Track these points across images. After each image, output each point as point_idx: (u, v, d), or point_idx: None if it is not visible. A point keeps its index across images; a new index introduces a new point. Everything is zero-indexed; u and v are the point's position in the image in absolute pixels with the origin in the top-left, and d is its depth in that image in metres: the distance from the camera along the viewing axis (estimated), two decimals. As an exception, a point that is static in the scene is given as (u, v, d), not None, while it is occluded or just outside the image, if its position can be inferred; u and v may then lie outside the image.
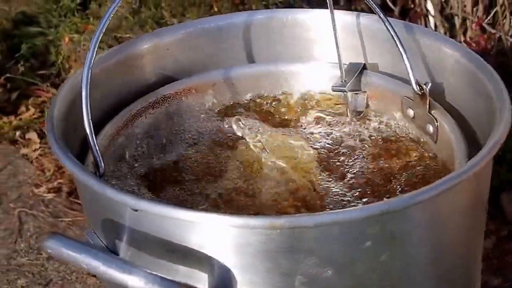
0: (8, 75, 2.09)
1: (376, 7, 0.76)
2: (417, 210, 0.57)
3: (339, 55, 0.83)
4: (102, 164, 0.67)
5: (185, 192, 0.72)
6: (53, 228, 1.59)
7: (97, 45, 0.68)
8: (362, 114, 0.84)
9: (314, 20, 0.89)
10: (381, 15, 0.76)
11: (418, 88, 0.76)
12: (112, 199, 0.57)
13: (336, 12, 0.85)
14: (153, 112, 0.83)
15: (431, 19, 1.52)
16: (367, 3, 0.77)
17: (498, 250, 0.70)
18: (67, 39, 1.96)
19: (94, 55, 0.67)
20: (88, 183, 0.59)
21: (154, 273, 0.52)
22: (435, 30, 1.48)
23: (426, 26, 1.51)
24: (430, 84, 0.76)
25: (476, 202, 0.66)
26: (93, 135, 0.66)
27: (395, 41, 0.76)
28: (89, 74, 0.67)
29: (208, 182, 0.73)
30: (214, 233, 0.56)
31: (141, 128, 0.81)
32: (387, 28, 0.76)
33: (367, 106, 0.84)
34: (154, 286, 0.51)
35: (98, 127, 0.77)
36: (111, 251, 0.63)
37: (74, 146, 0.72)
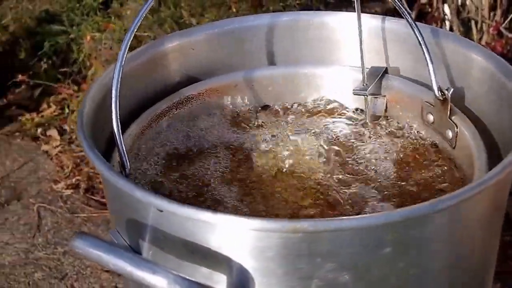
0: (31, 72, 2.12)
1: (404, 11, 0.77)
2: (437, 218, 0.58)
3: (362, 59, 0.84)
4: (128, 164, 0.68)
5: (203, 195, 0.73)
6: (69, 224, 1.61)
7: (128, 45, 0.70)
8: (380, 119, 0.84)
9: (339, 23, 0.89)
10: (409, 20, 0.77)
11: (440, 93, 0.77)
12: (139, 199, 0.58)
13: (362, 15, 0.86)
14: (176, 113, 0.84)
15: (447, 23, 1.52)
16: (397, 8, 0.77)
17: (500, 255, 0.71)
18: (88, 37, 1.98)
19: (126, 54, 0.69)
20: (116, 182, 0.60)
21: (177, 273, 0.53)
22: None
23: (442, 30, 1.51)
24: (452, 90, 0.77)
25: (495, 210, 0.66)
26: (121, 136, 0.67)
27: (421, 46, 0.76)
28: (120, 74, 0.68)
29: (228, 185, 0.74)
30: (234, 235, 0.57)
31: (165, 128, 0.82)
32: (414, 32, 0.76)
33: (386, 110, 0.85)
34: (176, 286, 0.51)
35: (123, 126, 0.78)
36: (134, 251, 0.65)
37: (101, 145, 0.73)
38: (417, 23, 0.81)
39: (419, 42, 0.76)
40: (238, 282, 0.58)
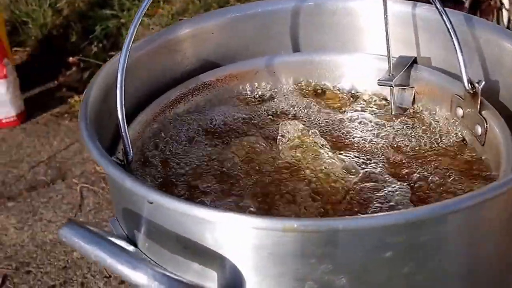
0: (81, 55, 2.14)
1: (433, -6, 0.72)
2: (448, 221, 0.53)
3: (388, 47, 0.79)
4: (131, 151, 0.66)
5: (210, 184, 0.70)
6: (110, 205, 1.62)
7: (135, 30, 0.67)
8: (407, 111, 0.79)
9: (366, 9, 0.85)
10: (438, 4, 0.71)
11: (470, 86, 0.71)
12: (129, 189, 0.56)
13: (390, 1, 0.81)
14: (192, 99, 0.81)
15: (505, 13, 1.43)
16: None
17: None
18: (137, 21, 1.97)
19: (132, 39, 0.66)
20: (108, 170, 0.58)
21: (160, 270, 0.50)
22: (508, 25, 1.40)
23: (498, 20, 1.43)
24: (483, 83, 0.71)
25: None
26: (125, 122, 0.65)
27: (450, 33, 0.71)
28: (126, 58, 0.66)
29: (236, 178, 0.71)
30: (228, 233, 0.54)
31: (179, 115, 0.79)
32: (442, 19, 0.71)
33: (414, 102, 0.79)
34: (156, 283, 0.49)
35: (135, 113, 0.76)
36: (131, 241, 0.62)
37: (109, 132, 0.71)
38: (449, 9, 0.76)
39: (448, 29, 0.71)
40: (230, 280, 0.55)
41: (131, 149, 0.66)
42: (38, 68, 2.18)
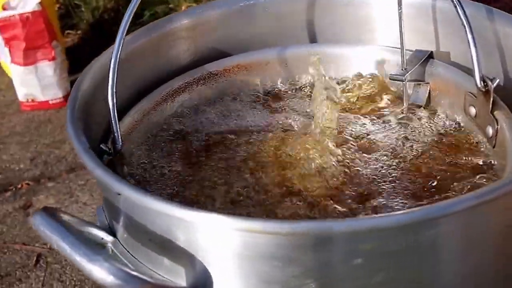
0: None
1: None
2: (419, 230, 0.49)
3: (402, 41, 0.75)
4: (120, 140, 0.65)
5: (206, 176, 0.68)
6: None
7: (133, 12, 0.66)
8: (420, 108, 0.75)
9: (383, 1, 0.80)
10: None
11: (482, 83, 0.66)
12: (99, 178, 0.54)
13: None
14: (197, 89, 0.79)
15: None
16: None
17: None
18: (183, 7, 1.97)
19: (129, 21, 0.66)
20: (82, 159, 0.57)
21: (118, 265, 0.48)
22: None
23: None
24: (497, 81, 0.66)
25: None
26: (115, 109, 0.64)
27: (464, 25, 0.66)
28: (122, 42, 0.65)
29: (230, 171, 0.68)
30: (193, 230, 0.51)
31: (181, 104, 0.77)
32: (456, 9, 0.66)
33: (429, 99, 0.75)
34: (112, 277, 0.47)
35: (135, 102, 0.75)
36: (111, 231, 0.61)
37: (104, 121, 0.70)
38: (470, 1, 0.71)
39: (461, 20, 0.66)
40: (199, 279, 0.53)
41: (120, 138, 0.64)
42: (89, 51, 2.21)
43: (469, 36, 0.66)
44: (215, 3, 0.82)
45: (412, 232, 0.48)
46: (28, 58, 1.93)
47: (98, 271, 0.48)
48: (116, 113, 0.64)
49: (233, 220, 0.49)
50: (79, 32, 2.33)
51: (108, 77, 0.64)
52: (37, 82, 1.94)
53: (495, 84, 0.66)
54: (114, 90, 0.64)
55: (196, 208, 0.50)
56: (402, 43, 0.74)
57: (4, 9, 1.91)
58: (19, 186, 1.73)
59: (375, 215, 0.53)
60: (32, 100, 1.96)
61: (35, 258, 1.51)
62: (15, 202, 1.67)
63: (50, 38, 1.96)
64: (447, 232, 0.50)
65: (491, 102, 0.66)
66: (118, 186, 0.53)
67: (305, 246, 0.49)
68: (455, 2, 0.66)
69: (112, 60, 0.64)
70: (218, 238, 0.51)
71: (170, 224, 0.52)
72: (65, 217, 0.57)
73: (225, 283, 0.52)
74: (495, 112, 0.66)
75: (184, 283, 0.54)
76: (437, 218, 0.47)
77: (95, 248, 0.50)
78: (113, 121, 0.64)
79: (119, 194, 0.53)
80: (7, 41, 1.93)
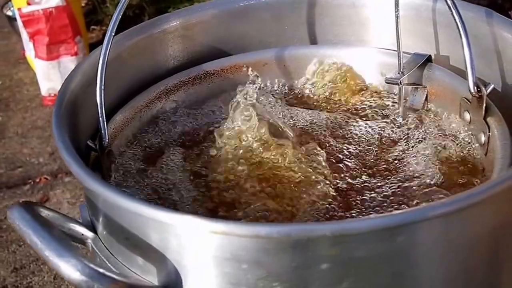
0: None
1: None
2: (383, 237, 0.48)
3: (398, 44, 0.73)
4: (107, 137, 0.65)
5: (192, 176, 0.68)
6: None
7: (123, 9, 0.67)
8: (417, 112, 0.73)
9: (385, 2, 0.79)
10: None
11: (476, 89, 0.65)
12: (75, 173, 0.54)
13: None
14: (192, 88, 0.78)
15: None
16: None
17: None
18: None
19: (119, 19, 0.66)
20: (61, 154, 0.57)
21: (87, 262, 0.48)
22: None
23: None
24: (491, 87, 0.65)
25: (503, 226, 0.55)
26: (103, 107, 0.64)
27: (458, 28, 0.65)
28: (111, 39, 0.65)
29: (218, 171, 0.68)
30: (163, 230, 0.51)
31: (175, 103, 0.77)
32: (450, 10, 0.65)
33: (426, 103, 0.74)
34: (78, 273, 0.47)
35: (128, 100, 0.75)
36: (93, 227, 0.61)
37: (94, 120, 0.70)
38: (466, 2, 0.70)
39: (456, 22, 0.64)
40: (170, 278, 0.53)
41: (106, 134, 0.65)
42: (113, 48, 2.23)
43: (464, 39, 0.65)
44: (214, 2, 0.82)
45: (377, 239, 0.47)
46: (51, 52, 1.96)
47: (65, 267, 0.48)
48: (104, 110, 0.64)
49: (199, 222, 0.48)
50: (104, 28, 2.35)
51: (97, 73, 0.64)
52: (59, 77, 1.97)
53: (488, 90, 0.64)
54: (103, 88, 0.64)
55: (166, 208, 0.50)
56: (399, 46, 0.73)
57: (28, 4, 1.94)
58: (37, 180, 1.76)
59: (338, 221, 0.52)
60: (55, 95, 1.99)
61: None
62: (32, 196, 1.70)
63: (74, 33, 1.98)
64: (413, 240, 0.49)
65: (484, 108, 0.65)
66: (91, 183, 0.53)
67: (270, 250, 0.48)
68: (449, 4, 0.65)
69: (101, 57, 0.65)
70: (187, 239, 0.51)
71: (142, 224, 0.52)
72: (45, 213, 0.57)
73: (194, 284, 0.52)
74: (488, 119, 0.64)
75: (156, 282, 0.54)
76: (396, 227, 0.46)
77: (67, 244, 0.49)
78: (100, 118, 0.64)
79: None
80: (31, 36, 1.96)
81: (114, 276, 0.49)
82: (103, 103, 0.64)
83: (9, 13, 2.22)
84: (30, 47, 1.99)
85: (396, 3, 0.72)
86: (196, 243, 0.51)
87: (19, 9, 1.94)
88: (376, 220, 0.47)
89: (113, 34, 0.66)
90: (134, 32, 0.78)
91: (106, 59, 0.65)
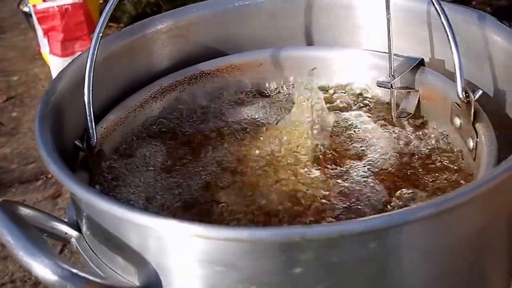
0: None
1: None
2: (350, 243, 0.48)
3: (390, 47, 0.73)
4: (95, 136, 0.65)
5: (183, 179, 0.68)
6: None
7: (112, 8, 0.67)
8: (408, 116, 0.73)
9: (382, 6, 0.78)
10: None
11: (464, 95, 0.64)
12: (53, 172, 0.55)
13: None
14: (187, 88, 0.79)
15: None
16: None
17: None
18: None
19: (108, 17, 0.67)
20: (41, 153, 0.57)
21: (58, 261, 0.49)
22: None
23: None
24: (480, 92, 0.64)
25: (489, 227, 0.54)
26: (91, 106, 0.65)
27: (446, 32, 0.64)
28: (99, 40, 0.66)
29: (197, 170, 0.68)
30: (141, 232, 0.52)
31: (170, 102, 0.77)
32: (439, 15, 0.64)
33: (418, 107, 0.73)
34: (47, 272, 0.48)
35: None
36: (78, 227, 0.62)
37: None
38: (458, 5, 0.70)
39: (444, 27, 0.64)
40: (150, 279, 0.53)
41: (95, 134, 0.65)
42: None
43: (452, 44, 0.64)
44: (210, 2, 0.82)
45: (351, 244, 0.47)
46: (66, 49, 1.98)
47: (37, 266, 0.48)
48: (92, 110, 0.64)
49: (176, 225, 0.49)
50: (121, 25, 2.37)
51: (85, 72, 0.64)
52: (74, 73, 1.98)
53: (477, 96, 0.64)
54: (91, 88, 0.65)
55: (143, 211, 0.50)
56: (390, 49, 0.73)
57: (44, 0, 1.96)
58: (50, 175, 1.77)
59: (311, 225, 0.52)
60: (69, 91, 2.01)
61: (60, 247, 1.54)
62: (45, 191, 1.71)
63: (89, 30, 2.00)
64: (386, 245, 0.49)
65: (472, 113, 0.64)
66: (67, 183, 0.53)
67: (245, 253, 0.48)
68: (438, 9, 0.64)
69: (89, 57, 0.65)
70: (165, 242, 0.51)
71: (121, 226, 0.53)
72: (25, 211, 0.58)
73: (173, 285, 0.52)
74: (476, 124, 0.64)
75: (137, 283, 0.54)
76: (367, 232, 0.46)
77: (41, 244, 0.50)
78: (88, 118, 0.65)
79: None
80: (46, 32, 1.97)
81: (88, 276, 0.49)
82: (91, 103, 0.65)
83: (26, 9, 2.24)
84: (45, 43, 2.00)
85: (387, 6, 0.72)
86: (173, 245, 0.51)
87: (34, 5, 1.96)
88: (349, 225, 0.47)
89: (101, 35, 0.67)
90: (129, 32, 0.78)
91: (94, 59, 0.66)
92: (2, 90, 2.14)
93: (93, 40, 0.66)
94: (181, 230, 0.49)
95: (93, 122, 0.65)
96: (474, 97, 0.64)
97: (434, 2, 0.64)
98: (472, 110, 0.64)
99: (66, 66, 0.71)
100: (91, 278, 0.49)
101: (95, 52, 0.65)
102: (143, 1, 2.39)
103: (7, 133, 1.92)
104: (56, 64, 1.99)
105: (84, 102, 0.65)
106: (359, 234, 0.46)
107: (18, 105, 2.05)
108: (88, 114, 0.65)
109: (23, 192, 1.69)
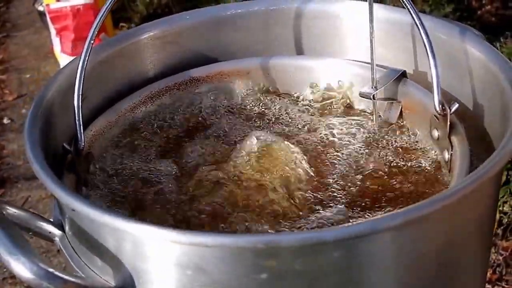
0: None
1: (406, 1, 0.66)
2: (318, 252, 0.50)
3: (372, 58, 0.74)
4: (83, 139, 0.68)
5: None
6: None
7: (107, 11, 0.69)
8: (390, 127, 0.75)
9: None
10: (411, 10, 0.66)
11: (441, 108, 0.66)
12: (36, 171, 0.57)
13: (393, 8, 0.77)
14: (177, 94, 0.81)
15: None
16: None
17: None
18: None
19: (102, 21, 0.69)
20: (27, 154, 0.60)
21: (37, 261, 0.51)
22: None
23: None
24: (456, 106, 0.66)
25: (458, 238, 0.56)
26: (80, 109, 0.67)
27: (424, 44, 0.66)
28: (91, 44, 0.68)
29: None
30: (116, 234, 0.54)
31: (159, 108, 0.79)
32: (417, 26, 0.66)
33: (400, 118, 0.75)
34: (27, 272, 0.50)
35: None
36: (61, 226, 0.64)
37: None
38: (438, 18, 0.71)
39: (423, 40, 0.65)
40: (125, 281, 0.55)
41: (83, 137, 0.67)
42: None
43: (430, 58, 0.66)
44: (203, 10, 0.85)
45: (311, 253, 0.49)
46: (76, 48, 2.01)
47: (15, 265, 0.51)
48: (80, 114, 0.67)
49: (146, 229, 0.51)
50: (132, 25, 2.39)
51: (76, 75, 0.67)
52: (84, 72, 2.01)
53: (453, 109, 0.65)
54: (81, 92, 0.67)
55: (118, 214, 0.53)
56: (372, 60, 0.74)
57: (57, 0, 1.99)
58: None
59: (278, 233, 0.53)
60: (79, 89, 2.04)
61: (58, 248, 1.57)
62: (50, 188, 1.74)
63: (99, 30, 2.03)
64: (355, 255, 0.51)
65: (448, 126, 0.66)
66: (47, 183, 0.56)
67: (212, 258, 0.50)
68: (416, 21, 0.66)
69: (81, 61, 0.67)
70: (137, 245, 0.53)
71: (98, 228, 0.55)
72: (11, 211, 0.60)
73: (145, 286, 0.54)
74: (452, 137, 0.65)
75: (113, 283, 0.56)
76: (327, 242, 0.48)
77: (21, 243, 0.52)
78: (76, 121, 0.67)
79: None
80: (58, 31, 2.01)
81: (64, 276, 0.52)
82: (80, 107, 0.67)
83: (41, 8, 2.28)
84: (56, 42, 2.04)
85: (371, 19, 0.73)
86: (145, 248, 0.53)
87: (47, 5, 2.00)
88: (306, 234, 0.48)
89: (93, 41, 0.69)
90: (122, 37, 0.81)
91: (85, 65, 0.68)
92: (14, 87, 2.18)
93: (85, 47, 0.68)
94: (153, 235, 0.51)
95: (81, 126, 0.67)
96: (451, 111, 0.65)
97: (413, 15, 0.66)
98: (448, 123, 0.65)
99: (60, 69, 0.73)
100: (66, 277, 0.52)
101: (86, 58, 0.68)
102: (155, 2, 2.41)
103: (16, 130, 1.96)
104: (66, 62, 2.03)
105: (74, 106, 0.67)
106: (322, 243, 0.48)
107: (29, 102, 2.09)
108: (77, 117, 0.67)
109: (28, 188, 1.73)
